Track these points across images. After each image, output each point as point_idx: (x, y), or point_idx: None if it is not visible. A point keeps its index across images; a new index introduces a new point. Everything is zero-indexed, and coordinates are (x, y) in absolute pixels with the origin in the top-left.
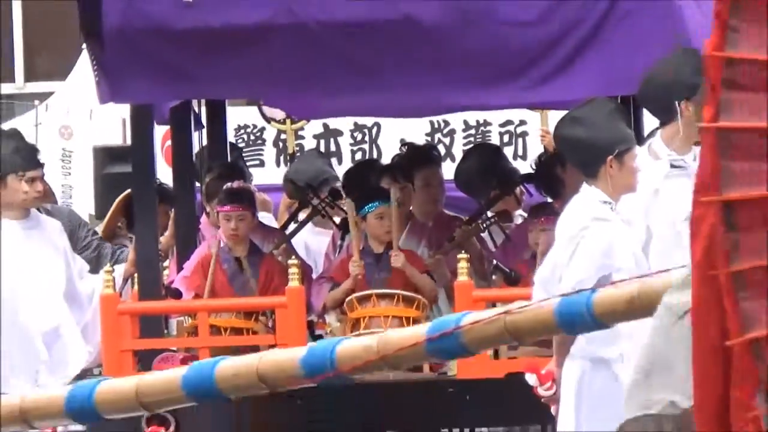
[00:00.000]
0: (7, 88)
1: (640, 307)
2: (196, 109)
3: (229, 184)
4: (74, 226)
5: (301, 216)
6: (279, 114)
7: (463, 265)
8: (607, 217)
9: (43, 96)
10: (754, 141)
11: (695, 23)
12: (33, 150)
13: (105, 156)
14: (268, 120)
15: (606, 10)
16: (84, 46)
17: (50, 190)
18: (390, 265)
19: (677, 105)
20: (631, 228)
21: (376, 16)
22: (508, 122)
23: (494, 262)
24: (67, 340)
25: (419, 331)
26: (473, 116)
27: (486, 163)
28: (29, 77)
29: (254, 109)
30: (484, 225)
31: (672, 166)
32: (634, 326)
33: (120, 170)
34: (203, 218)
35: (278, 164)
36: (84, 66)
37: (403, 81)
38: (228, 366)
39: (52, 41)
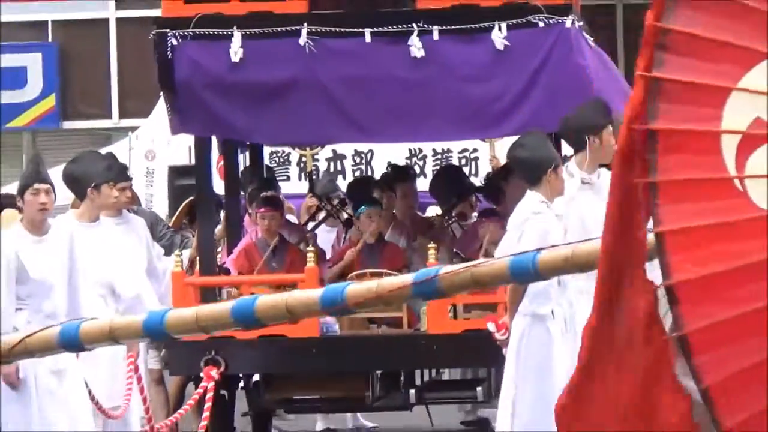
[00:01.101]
0: (106, 123)
1: (573, 264)
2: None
3: (264, 193)
4: (154, 223)
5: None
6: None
7: (432, 252)
8: (544, 211)
9: (133, 129)
10: (680, 94)
11: (598, 80)
12: (123, 167)
13: (176, 172)
14: (293, 147)
15: (534, 72)
16: (161, 93)
17: (137, 196)
18: (379, 252)
19: (586, 139)
20: (561, 221)
21: (370, 74)
22: (465, 150)
23: (454, 249)
24: (148, 305)
25: (407, 278)
26: (439, 145)
27: (449, 180)
28: (122, 115)
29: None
30: (448, 223)
31: (582, 182)
32: (566, 291)
33: (186, 183)
34: (246, 217)
35: (300, 179)
36: (161, 107)
37: (389, 119)
38: (265, 300)
39: (139, 89)
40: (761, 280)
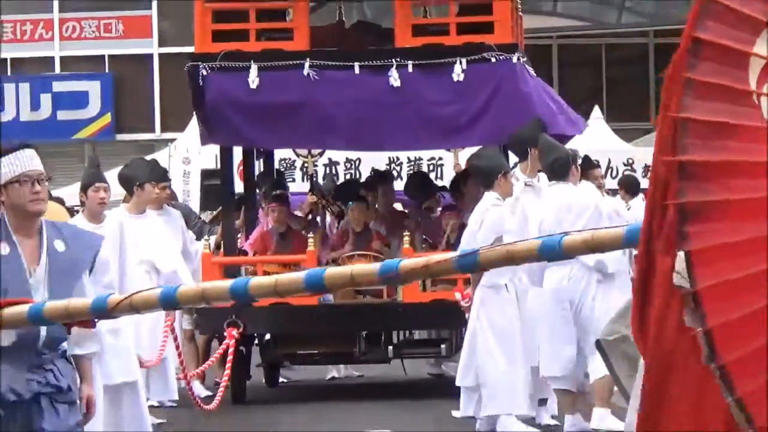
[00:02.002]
0: (151, 136)
1: (591, 246)
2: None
3: (274, 191)
4: (188, 214)
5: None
6: (303, 151)
7: (406, 238)
8: (498, 206)
9: (172, 140)
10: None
11: (538, 102)
12: (164, 170)
13: (206, 174)
14: (297, 155)
15: (488, 97)
16: (194, 112)
17: (174, 194)
18: (365, 239)
19: (528, 150)
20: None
21: (358, 98)
22: (432, 158)
23: (423, 236)
24: (182, 280)
25: (452, 254)
26: (413, 154)
27: (420, 182)
28: (164, 130)
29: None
30: (421, 216)
31: (525, 184)
32: (518, 269)
33: (214, 183)
34: (260, 210)
35: (303, 181)
36: (194, 123)
37: (373, 133)
38: (255, 281)
39: (176, 109)
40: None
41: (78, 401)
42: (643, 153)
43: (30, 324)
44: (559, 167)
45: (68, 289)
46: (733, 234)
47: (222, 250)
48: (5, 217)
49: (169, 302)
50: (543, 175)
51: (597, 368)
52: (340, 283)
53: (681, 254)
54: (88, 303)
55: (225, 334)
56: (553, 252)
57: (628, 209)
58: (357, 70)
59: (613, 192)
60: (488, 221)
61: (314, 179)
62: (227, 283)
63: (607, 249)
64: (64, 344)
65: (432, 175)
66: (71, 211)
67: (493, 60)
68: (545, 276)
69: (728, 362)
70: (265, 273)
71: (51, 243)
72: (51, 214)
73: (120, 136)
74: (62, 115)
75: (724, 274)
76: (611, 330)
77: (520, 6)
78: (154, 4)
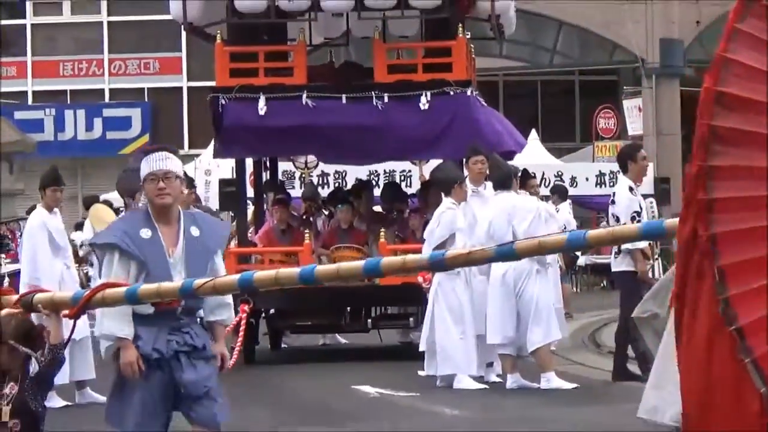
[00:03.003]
0: (180, 152)
1: (614, 239)
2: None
3: (278, 196)
4: (210, 214)
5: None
6: (301, 165)
7: (382, 234)
8: (453, 209)
9: (197, 156)
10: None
11: (489, 127)
12: (190, 179)
13: (224, 183)
14: (296, 168)
15: (447, 122)
16: (214, 132)
17: (199, 197)
18: (351, 235)
19: (478, 162)
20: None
21: (345, 122)
22: (404, 170)
23: (396, 232)
24: None
25: (491, 246)
26: (388, 167)
27: (393, 189)
28: (191, 147)
29: (290, 163)
30: (394, 216)
31: (473, 192)
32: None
33: (230, 189)
34: (267, 212)
35: (301, 187)
36: (216, 141)
37: (357, 149)
38: (260, 275)
39: (201, 131)
40: None
41: (212, 358)
42: (569, 167)
43: (128, 303)
44: (504, 179)
45: (202, 267)
46: (749, 221)
47: (237, 241)
48: (149, 208)
49: (247, 286)
50: (489, 184)
51: (534, 340)
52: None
53: None
54: (178, 285)
55: (238, 309)
56: (579, 244)
57: (558, 211)
58: (344, 100)
59: (545, 198)
60: (444, 221)
61: (309, 187)
62: (297, 270)
63: (627, 241)
64: (200, 311)
65: (403, 184)
66: (117, 212)
67: (452, 93)
68: (493, 266)
69: (744, 324)
70: (270, 261)
71: (187, 229)
72: (101, 213)
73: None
74: (110, 135)
75: (744, 254)
76: (644, 309)
77: (472, 50)
78: (184, 47)
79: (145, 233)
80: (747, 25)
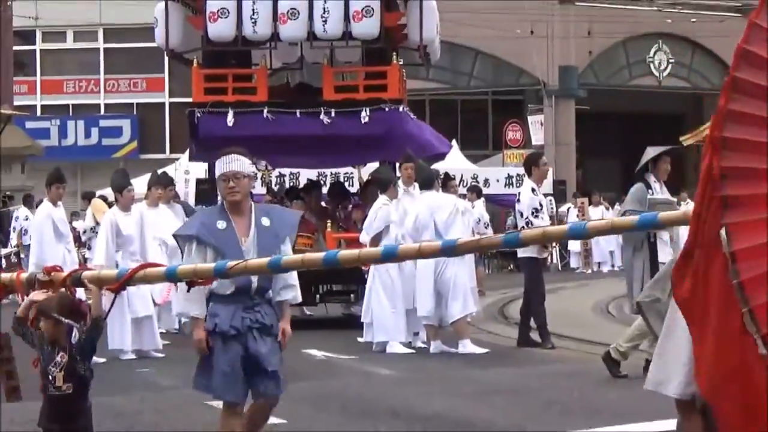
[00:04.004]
0: (163, 156)
1: (613, 229)
2: None
3: None
4: (186, 207)
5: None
6: (261, 167)
7: (329, 225)
8: (387, 204)
9: (177, 159)
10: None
11: (417, 135)
12: (170, 179)
13: (199, 182)
14: (258, 169)
15: (383, 133)
16: (191, 139)
17: (178, 194)
18: (302, 224)
19: (407, 167)
20: (396, 211)
21: (299, 132)
22: (347, 173)
23: (340, 224)
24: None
25: (500, 236)
26: (334, 170)
27: (338, 188)
28: (172, 152)
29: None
30: (338, 210)
31: (404, 191)
32: (407, 238)
33: (204, 187)
34: None
35: (261, 186)
36: (191, 146)
37: (309, 155)
38: (287, 259)
39: (180, 138)
40: None
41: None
42: (483, 171)
43: (168, 281)
44: (428, 181)
45: (272, 252)
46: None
47: None
48: (224, 202)
49: (276, 268)
50: (417, 185)
51: (453, 313)
52: (352, 260)
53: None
54: (212, 266)
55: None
56: (581, 233)
57: (473, 207)
58: (298, 114)
59: (463, 196)
60: (380, 215)
61: (270, 186)
62: (321, 254)
63: (625, 231)
64: (269, 292)
65: (346, 184)
66: (110, 205)
67: (387, 109)
68: None
69: (755, 306)
70: None
71: (259, 220)
72: (99, 206)
73: (142, 156)
74: (105, 141)
75: (755, 240)
76: (648, 294)
77: (404, 74)
78: (166, 70)
79: (221, 224)
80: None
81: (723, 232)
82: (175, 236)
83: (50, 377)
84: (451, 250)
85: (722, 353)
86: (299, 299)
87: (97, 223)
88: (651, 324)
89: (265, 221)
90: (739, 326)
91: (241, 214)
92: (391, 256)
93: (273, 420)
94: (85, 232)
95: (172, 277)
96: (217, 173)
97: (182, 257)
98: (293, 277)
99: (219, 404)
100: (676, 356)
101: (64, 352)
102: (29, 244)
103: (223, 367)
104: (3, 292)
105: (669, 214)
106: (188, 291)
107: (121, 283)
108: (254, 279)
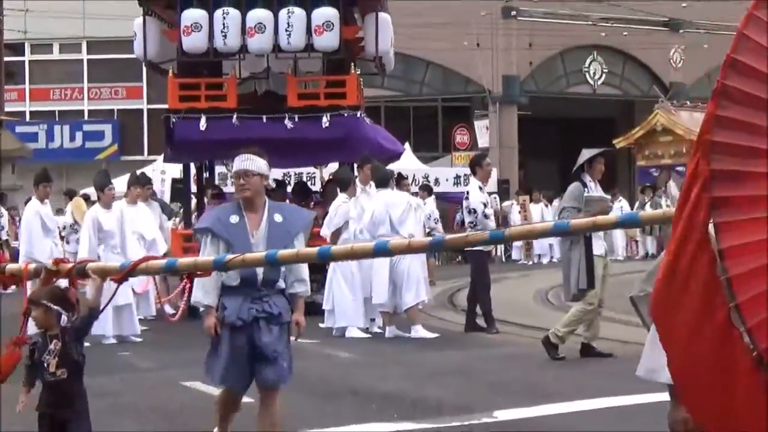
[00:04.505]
0: (141, 158)
1: (597, 226)
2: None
3: (215, 191)
4: (163, 205)
5: None
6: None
7: None
8: (347, 202)
9: (155, 161)
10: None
11: (373, 139)
12: (148, 179)
13: (174, 181)
14: (228, 170)
15: (342, 136)
16: (167, 143)
17: (155, 192)
18: None
19: (362, 168)
20: (354, 208)
21: (266, 136)
22: (309, 172)
23: None
24: (159, 245)
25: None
26: (297, 170)
27: (301, 187)
28: (149, 154)
29: (224, 167)
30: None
31: (361, 190)
32: (365, 234)
33: (180, 186)
34: (207, 203)
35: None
36: (166, 149)
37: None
38: (283, 252)
39: (157, 141)
40: None
41: (288, 323)
42: (434, 171)
43: (168, 273)
44: (384, 180)
45: (281, 247)
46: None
47: (183, 224)
48: (240, 200)
49: (272, 261)
50: (373, 184)
51: (406, 301)
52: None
53: None
54: (212, 259)
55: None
56: (565, 229)
57: (425, 204)
58: (265, 120)
59: (415, 194)
60: (340, 212)
61: None
62: (315, 249)
63: (606, 228)
64: (280, 283)
65: (309, 183)
66: (93, 203)
67: (346, 114)
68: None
69: (741, 301)
70: None
71: (271, 216)
72: (79, 204)
73: (123, 158)
74: (88, 144)
75: (743, 239)
76: (640, 288)
77: (361, 82)
78: (144, 79)
79: (234, 219)
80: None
81: (711, 230)
82: (193, 230)
83: (45, 365)
84: (439, 245)
85: (695, 344)
86: (309, 292)
87: (76, 221)
88: (643, 317)
89: (278, 217)
90: (723, 320)
91: (253, 210)
92: (383, 251)
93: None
94: (65, 227)
95: (172, 269)
96: (232, 171)
97: (199, 249)
98: (304, 271)
99: (193, 384)
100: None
101: (57, 339)
102: (6, 240)
103: (227, 358)
104: (11, 281)
105: (650, 213)
106: (192, 281)
107: (124, 274)
108: (259, 271)
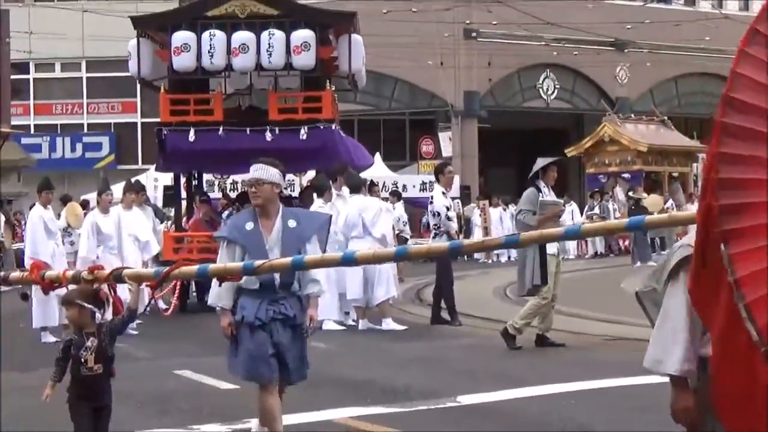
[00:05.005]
0: (136, 167)
1: (543, 238)
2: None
3: (203, 197)
4: (156, 209)
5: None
6: (217, 175)
7: None
8: (323, 206)
9: (148, 170)
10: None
11: (350, 150)
12: (142, 186)
13: (166, 188)
14: (215, 177)
15: (319, 146)
16: (159, 153)
17: (149, 198)
18: None
19: (337, 177)
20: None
21: (249, 146)
22: (288, 179)
23: None
24: (153, 246)
25: (501, 237)
26: None
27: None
28: (143, 163)
29: (211, 175)
30: None
31: (336, 195)
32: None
33: (170, 192)
34: (195, 208)
35: (218, 192)
36: (159, 159)
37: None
38: (309, 258)
39: (150, 151)
40: None
41: (302, 323)
42: (402, 178)
43: (200, 278)
44: (357, 186)
45: (294, 251)
46: (749, 197)
47: (174, 228)
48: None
49: (299, 266)
50: (347, 189)
51: (377, 296)
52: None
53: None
54: (241, 265)
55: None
56: (575, 235)
57: (394, 208)
58: (248, 132)
59: (386, 199)
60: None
61: (225, 191)
62: (339, 255)
63: (618, 231)
64: (295, 285)
65: (288, 190)
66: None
67: (322, 127)
68: (350, 244)
69: (762, 325)
70: (198, 242)
71: (285, 222)
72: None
73: (119, 167)
74: (88, 155)
75: (756, 266)
76: (645, 284)
77: (336, 98)
78: (138, 95)
79: (249, 226)
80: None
81: (726, 261)
82: (214, 237)
83: (82, 360)
84: (458, 251)
85: (727, 358)
86: (323, 292)
87: (69, 224)
88: (648, 311)
89: (292, 223)
90: (746, 342)
91: (267, 217)
92: (404, 255)
93: (227, 386)
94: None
95: (203, 274)
96: (246, 180)
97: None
98: (319, 273)
99: (183, 372)
100: (671, 339)
101: (93, 336)
102: (1, 241)
103: (251, 350)
104: (50, 287)
105: (655, 217)
106: (219, 286)
107: (160, 280)
108: (277, 275)
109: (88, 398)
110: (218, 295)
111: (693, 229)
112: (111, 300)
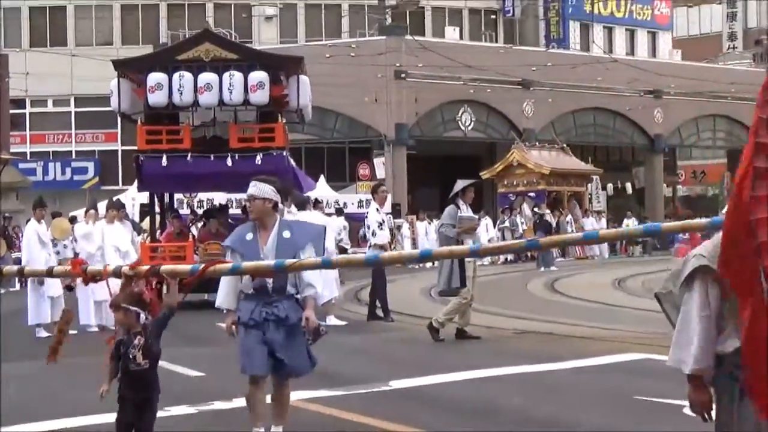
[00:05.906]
0: (116, 187)
1: (622, 236)
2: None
3: (174, 213)
4: (134, 224)
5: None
6: (186, 195)
7: None
8: (304, 218)
9: (127, 190)
10: None
11: (294, 176)
12: (122, 204)
13: (143, 206)
14: (184, 196)
15: (272, 170)
16: (136, 176)
17: (128, 214)
18: (217, 235)
19: (288, 197)
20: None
21: (212, 171)
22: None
23: None
24: (132, 255)
25: (514, 242)
26: (236, 196)
27: (244, 210)
28: (124, 184)
29: (181, 194)
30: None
31: (287, 211)
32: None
33: (146, 210)
34: (167, 222)
35: (187, 209)
36: (137, 181)
37: (220, 186)
38: (305, 261)
39: (129, 174)
40: None
41: (296, 324)
42: (343, 197)
43: (231, 275)
44: (302, 204)
45: (288, 258)
46: None
47: (149, 239)
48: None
49: (326, 265)
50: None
51: (322, 297)
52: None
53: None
54: (272, 263)
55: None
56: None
57: (335, 220)
58: (212, 158)
59: (329, 214)
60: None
61: (193, 207)
62: (362, 256)
63: (634, 237)
64: (289, 289)
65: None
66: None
67: (275, 154)
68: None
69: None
70: (169, 251)
71: (280, 232)
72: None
73: (103, 187)
74: (76, 177)
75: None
76: (664, 286)
77: (287, 129)
78: (119, 126)
79: (249, 236)
80: None
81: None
82: (222, 246)
83: (131, 356)
84: (476, 252)
85: (755, 326)
86: (319, 295)
87: (54, 238)
88: (668, 312)
89: (286, 234)
90: None
91: (264, 228)
92: (427, 257)
93: (195, 373)
94: None
95: (236, 271)
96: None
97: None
98: (312, 277)
99: (170, 366)
100: (690, 340)
101: (140, 335)
102: None
103: (245, 347)
104: (92, 280)
105: (671, 224)
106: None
107: (196, 277)
108: (269, 280)
109: (136, 390)
110: (224, 298)
111: (704, 242)
112: (153, 300)
